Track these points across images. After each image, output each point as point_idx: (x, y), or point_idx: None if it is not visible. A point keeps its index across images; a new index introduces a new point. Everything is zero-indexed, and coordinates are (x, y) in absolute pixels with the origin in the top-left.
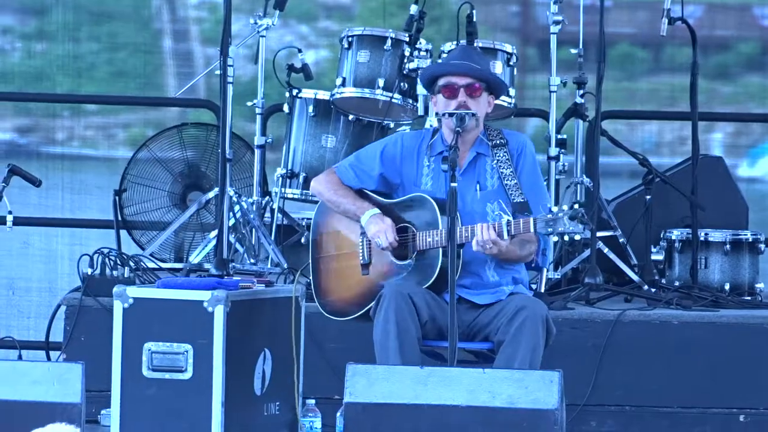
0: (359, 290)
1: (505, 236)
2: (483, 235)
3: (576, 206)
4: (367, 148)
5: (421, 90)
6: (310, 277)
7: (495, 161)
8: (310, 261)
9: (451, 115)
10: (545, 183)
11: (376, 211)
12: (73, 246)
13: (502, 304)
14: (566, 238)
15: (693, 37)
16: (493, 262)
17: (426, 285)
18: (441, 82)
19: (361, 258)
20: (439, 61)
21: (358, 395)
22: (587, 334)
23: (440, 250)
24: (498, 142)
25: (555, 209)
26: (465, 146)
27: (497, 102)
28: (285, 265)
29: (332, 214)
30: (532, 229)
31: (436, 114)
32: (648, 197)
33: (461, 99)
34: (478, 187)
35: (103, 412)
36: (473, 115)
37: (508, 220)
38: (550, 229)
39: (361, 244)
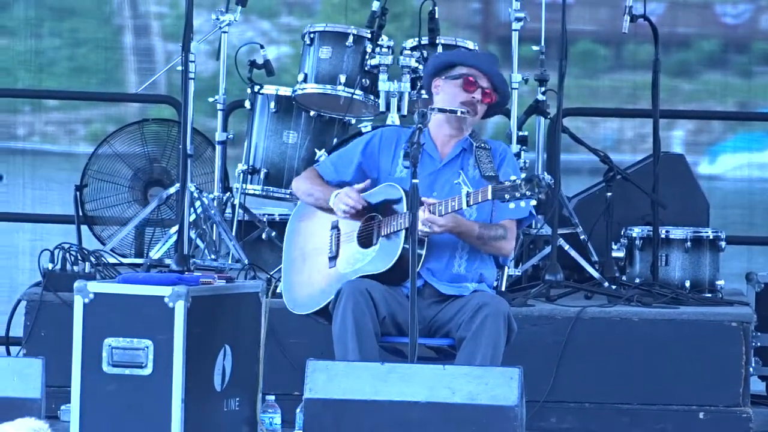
0: (325, 283)
1: (464, 206)
2: (425, 211)
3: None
4: (349, 145)
5: (382, 86)
6: (281, 275)
7: (476, 160)
8: (283, 260)
9: (450, 111)
10: None
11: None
12: (34, 241)
13: (463, 301)
14: (523, 204)
15: (655, 34)
16: (465, 252)
17: (385, 269)
18: (463, 70)
19: (329, 251)
20: (401, 56)
21: (318, 391)
22: (547, 331)
23: (402, 235)
24: (482, 145)
25: (513, 178)
26: (452, 140)
27: None
28: (246, 261)
29: (307, 216)
30: (490, 197)
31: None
32: (609, 194)
33: (477, 97)
34: (461, 173)
35: (63, 407)
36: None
37: (468, 191)
38: (507, 196)
39: (330, 237)
